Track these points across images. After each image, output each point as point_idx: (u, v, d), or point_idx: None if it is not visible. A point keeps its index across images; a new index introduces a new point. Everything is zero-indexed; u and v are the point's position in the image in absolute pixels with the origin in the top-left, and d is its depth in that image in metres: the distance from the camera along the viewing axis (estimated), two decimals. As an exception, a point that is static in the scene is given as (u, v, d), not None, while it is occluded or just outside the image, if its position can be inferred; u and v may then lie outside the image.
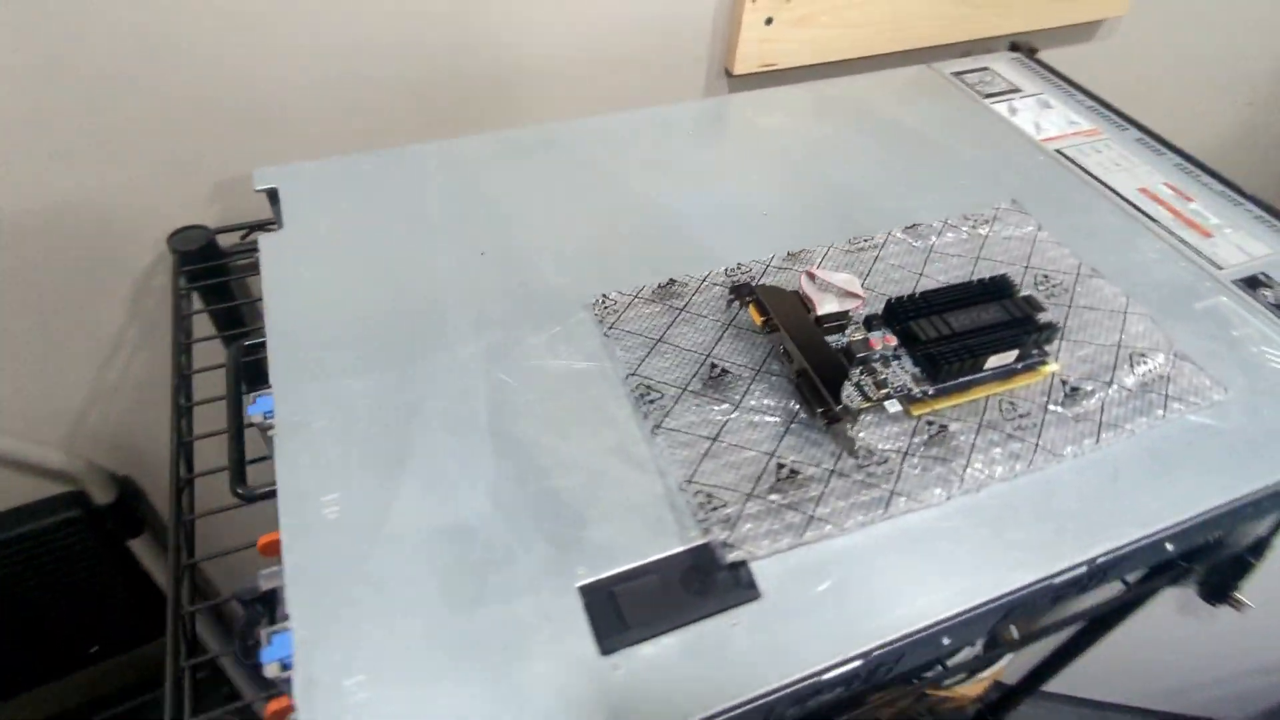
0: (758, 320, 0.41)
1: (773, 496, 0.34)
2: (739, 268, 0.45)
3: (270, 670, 0.29)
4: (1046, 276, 0.45)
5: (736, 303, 0.42)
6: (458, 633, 0.30)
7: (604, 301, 0.43)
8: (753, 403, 0.38)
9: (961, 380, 0.39)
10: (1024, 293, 0.43)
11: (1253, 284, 0.46)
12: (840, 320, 0.41)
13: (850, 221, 0.49)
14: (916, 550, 0.34)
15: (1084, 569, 0.34)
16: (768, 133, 0.57)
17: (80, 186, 0.54)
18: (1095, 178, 0.54)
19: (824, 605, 0.32)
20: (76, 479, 0.68)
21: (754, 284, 0.43)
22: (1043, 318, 0.40)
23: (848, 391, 0.38)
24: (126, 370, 0.65)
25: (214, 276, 0.55)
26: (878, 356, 0.40)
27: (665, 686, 0.29)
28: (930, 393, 0.38)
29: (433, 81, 0.58)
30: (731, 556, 0.32)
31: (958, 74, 0.64)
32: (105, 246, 0.58)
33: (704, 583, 0.32)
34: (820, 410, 0.36)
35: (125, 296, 0.62)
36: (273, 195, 0.49)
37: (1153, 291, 0.45)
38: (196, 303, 0.55)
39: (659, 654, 0.30)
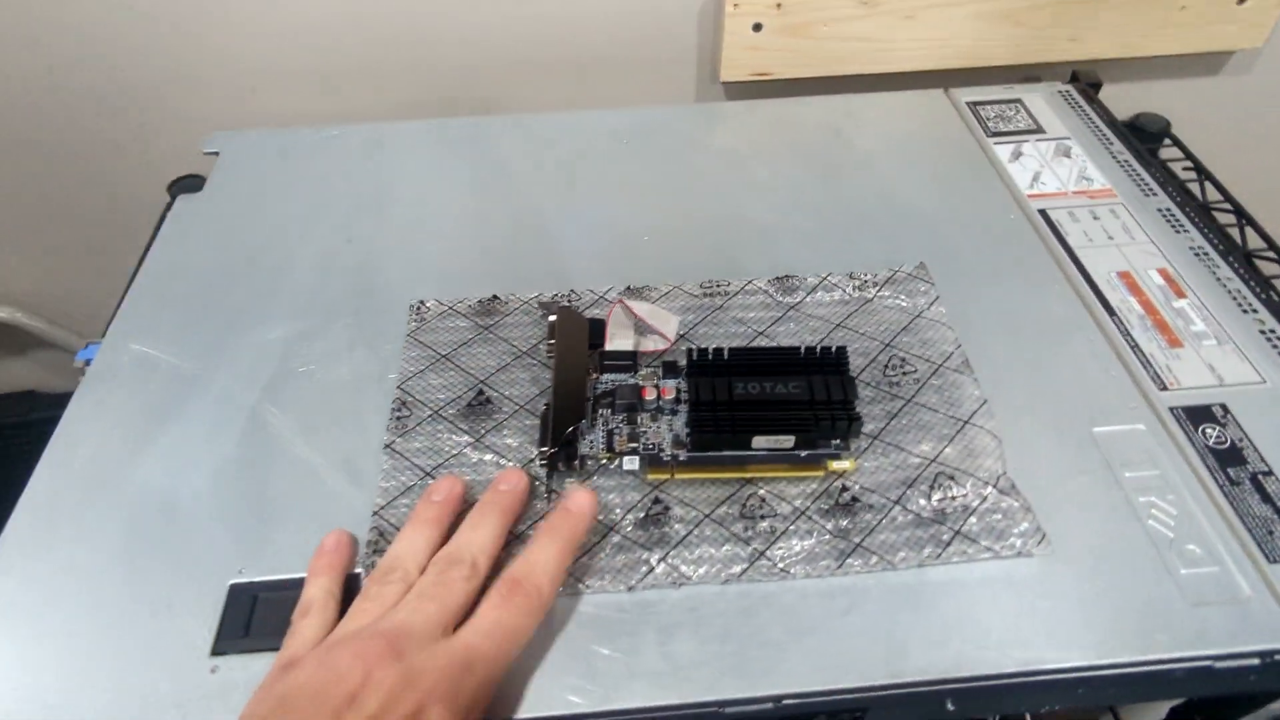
0: (549, 341, 0.39)
1: None
2: (571, 294, 0.43)
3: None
4: (904, 360, 0.38)
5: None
6: (107, 584, 0.32)
7: (420, 307, 0.42)
8: (493, 439, 0.36)
9: (724, 455, 0.34)
10: (870, 372, 0.37)
11: (1197, 417, 0.36)
12: (627, 360, 0.37)
13: (729, 262, 0.44)
14: (563, 644, 0.30)
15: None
16: (708, 151, 0.53)
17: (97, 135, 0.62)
18: (1069, 250, 0.44)
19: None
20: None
21: (559, 304, 0.41)
22: (850, 407, 0.34)
23: (593, 438, 0.35)
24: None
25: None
26: (650, 406, 0.36)
27: (244, 695, 0.29)
28: (681, 459, 0.34)
29: (398, 68, 0.60)
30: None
31: (976, 104, 0.55)
32: (138, 192, 0.66)
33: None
34: (540, 449, 0.34)
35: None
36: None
37: (1048, 396, 0.37)
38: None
39: (262, 669, 0.30)
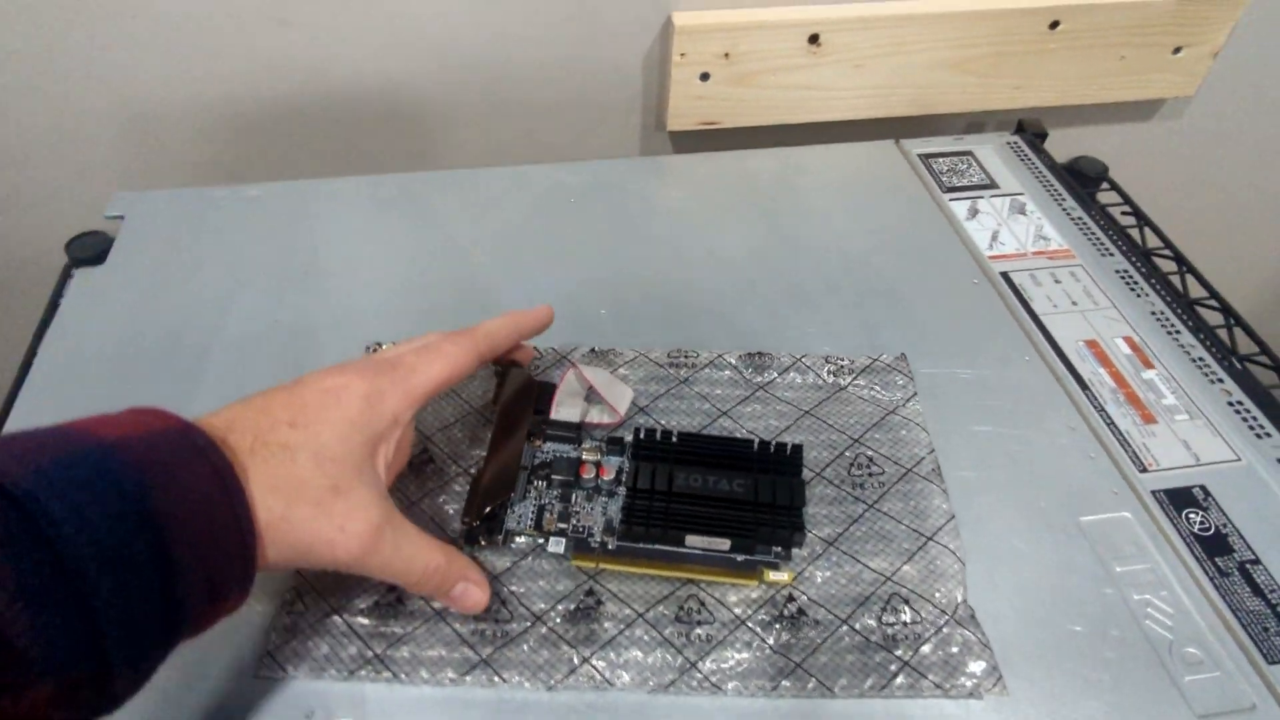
0: (492, 402, 0.36)
1: (359, 620, 0.30)
2: (533, 351, 0.40)
3: None
4: (871, 459, 0.36)
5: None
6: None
7: (374, 351, 0.39)
8: (429, 504, 0.33)
9: (655, 548, 0.32)
10: (834, 468, 0.35)
11: (1179, 501, 0.36)
12: (571, 433, 0.35)
13: (691, 329, 0.42)
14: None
15: None
16: (661, 210, 0.50)
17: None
18: (1036, 317, 0.44)
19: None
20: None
21: (510, 362, 0.38)
22: (795, 516, 0.31)
23: (522, 511, 0.33)
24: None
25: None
26: (587, 485, 0.34)
27: None
28: (609, 548, 0.32)
29: (318, 119, 0.55)
30: (263, 671, 0.29)
31: (928, 156, 0.55)
32: (27, 252, 0.59)
33: None
34: (463, 519, 0.31)
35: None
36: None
37: (1032, 486, 0.36)
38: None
39: None
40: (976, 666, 0.29)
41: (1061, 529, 0.34)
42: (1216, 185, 0.73)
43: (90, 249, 0.54)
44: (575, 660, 0.29)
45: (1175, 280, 0.50)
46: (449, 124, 0.57)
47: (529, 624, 0.30)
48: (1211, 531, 0.35)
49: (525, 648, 0.29)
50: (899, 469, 0.35)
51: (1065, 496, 0.36)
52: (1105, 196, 0.59)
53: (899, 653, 0.30)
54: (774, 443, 0.33)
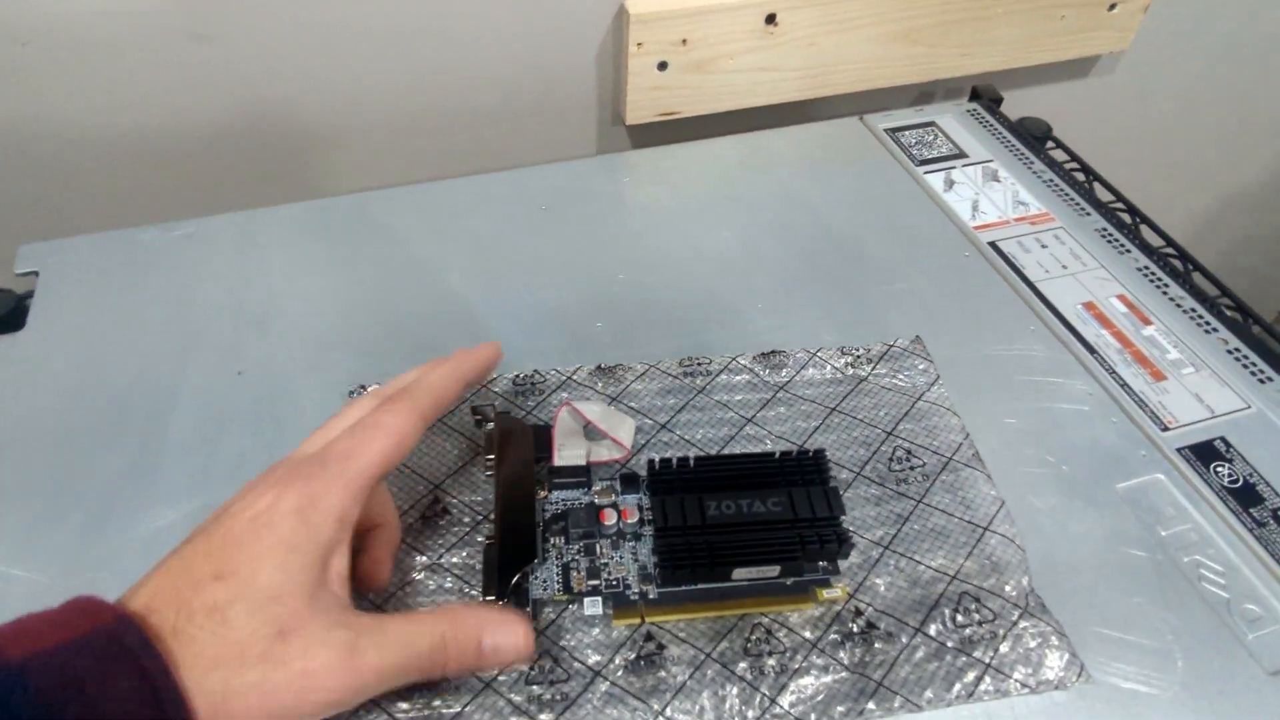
0: (487, 457, 0.33)
1: (401, 705, 0.27)
2: (534, 375, 0.37)
3: None
4: (910, 453, 0.35)
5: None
6: None
7: (360, 395, 0.36)
8: (454, 560, 0.30)
9: (699, 588, 0.29)
10: (874, 466, 0.34)
11: (1205, 455, 0.36)
12: (579, 477, 0.32)
13: (698, 335, 0.40)
14: None
15: None
16: (630, 209, 0.48)
17: None
18: (1031, 285, 0.44)
19: None
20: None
21: (494, 408, 0.35)
22: (837, 526, 0.29)
23: (546, 577, 0.30)
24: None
25: None
26: (610, 532, 0.31)
27: None
28: (651, 597, 0.29)
29: (251, 142, 0.50)
30: None
31: (894, 130, 0.54)
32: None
33: None
34: (485, 598, 0.28)
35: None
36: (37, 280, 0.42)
37: (1066, 459, 0.35)
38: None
39: None
40: (1057, 658, 0.29)
41: (1104, 500, 0.34)
42: (1151, 135, 0.75)
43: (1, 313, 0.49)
44: (649, 716, 0.27)
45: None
46: (397, 137, 0.53)
47: (588, 681, 0.27)
48: (1240, 483, 0.35)
49: (590, 708, 0.27)
50: (939, 459, 0.34)
51: (1099, 465, 0.35)
52: (1053, 156, 0.60)
53: (978, 655, 0.28)
54: (795, 451, 0.31)
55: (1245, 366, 0.40)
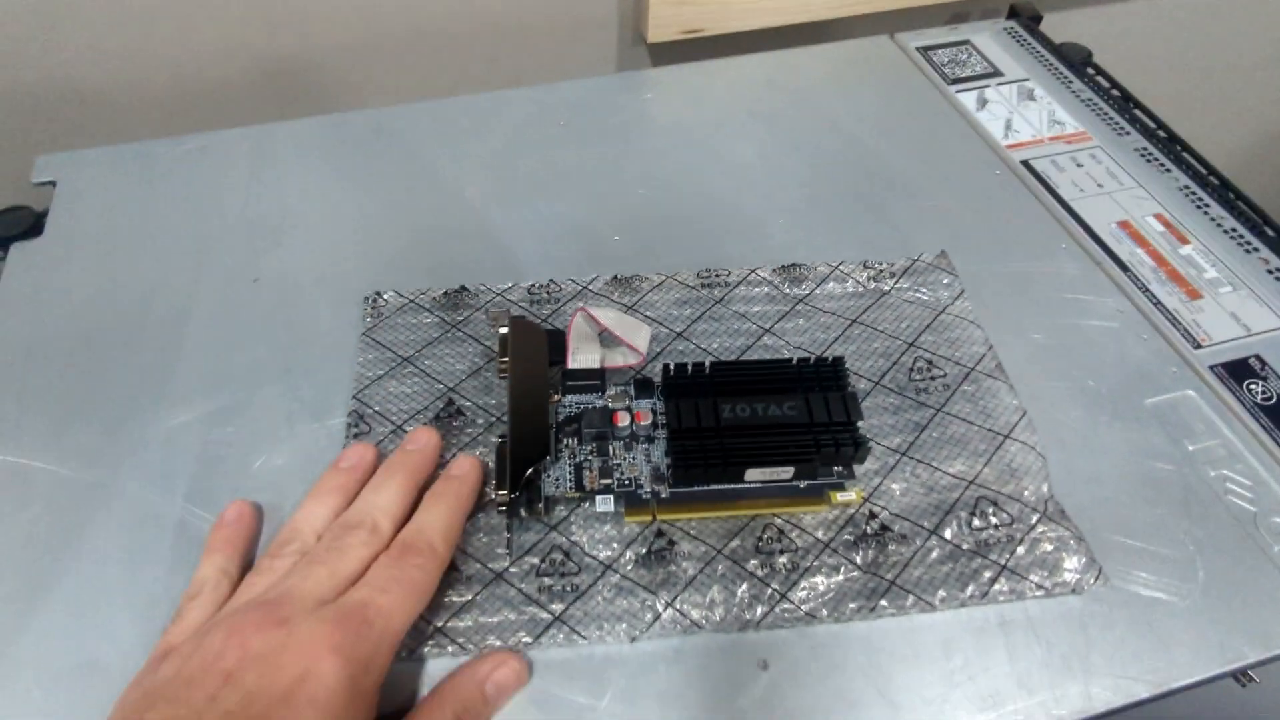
0: (500, 364, 0.33)
1: None
2: (550, 285, 0.37)
3: None
4: (930, 364, 0.34)
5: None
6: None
7: (375, 301, 0.36)
8: (468, 453, 0.31)
9: (712, 489, 0.29)
10: (893, 375, 0.33)
11: (1238, 372, 0.35)
12: (593, 380, 0.32)
13: (717, 250, 0.39)
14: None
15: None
16: (651, 125, 0.46)
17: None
18: (1064, 203, 0.42)
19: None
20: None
21: (508, 314, 0.35)
22: (854, 430, 0.29)
23: (559, 475, 0.30)
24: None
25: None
26: (622, 434, 0.31)
27: None
28: (663, 497, 0.29)
29: (265, 54, 0.49)
30: None
31: (926, 49, 0.52)
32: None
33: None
34: (497, 493, 0.28)
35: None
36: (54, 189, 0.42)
37: (1092, 374, 0.34)
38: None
39: None
40: (1074, 561, 0.28)
41: (1131, 414, 0.33)
42: (1195, 61, 0.72)
43: (18, 225, 0.49)
44: (659, 606, 0.27)
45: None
46: (412, 52, 0.52)
47: (599, 574, 0.28)
48: (1275, 399, 0.34)
49: (600, 599, 0.27)
50: (961, 369, 0.34)
51: (1127, 381, 0.34)
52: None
53: (994, 557, 0.28)
54: (814, 358, 0.31)
55: (1286, 285, 0.38)
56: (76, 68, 0.47)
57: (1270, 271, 0.39)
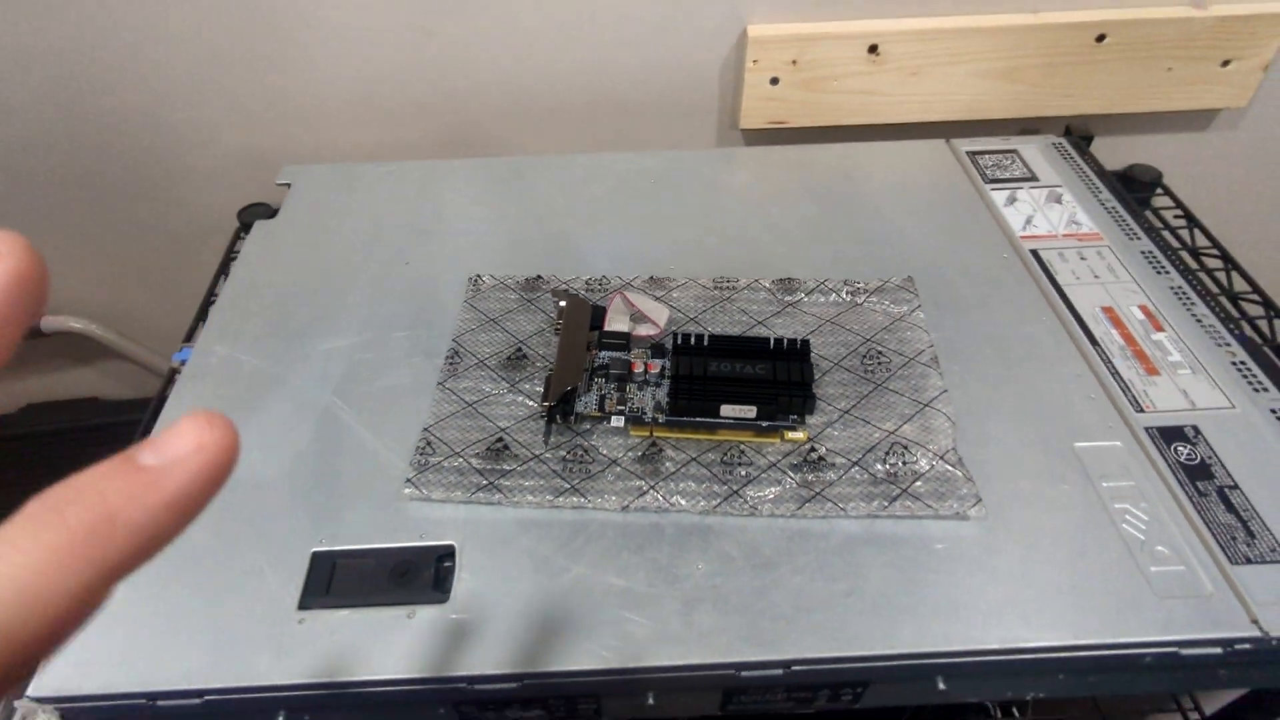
0: (557, 325, 0.45)
1: (475, 460, 0.39)
2: (602, 278, 0.49)
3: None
4: (880, 353, 0.43)
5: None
6: (211, 556, 0.37)
7: (477, 280, 0.49)
8: (525, 386, 0.43)
9: (696, 420, 0.40)
10: (849, 360, 0.42)
11: (1170, 436, 0.40)
12: (620, 340, 0.43)
13: (736, 269, 0.50)
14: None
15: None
16: (727, 189, 0.58)
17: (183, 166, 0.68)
18: (1058, 287, 0.49)
19: (499, 625, 0.34)
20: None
21: (567, 293, 0.47)
22: (806, 389, 0.39)
23: (587, 398, 0.41)
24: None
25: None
26: (638, 378, 0.42)
27: (329, 644, 0.33)
28: (661, 420, 0.40)
29: (447, 110, 0.66)
30: (406, 491, 0.38)
31: (975, 153, 0.61)
32: (207, 217, 0.72)
33: (405, 578, 0.36)
34: (542, 403, 0.40)
35: (219, 251, 0.76)
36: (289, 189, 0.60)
37: (1035, 417, 0.41)
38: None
39: (340, 621, 0.34)
40: (961, 493, 0.37)
41: (1057, 452, 0.40)
42: (1270, 194, 0.75)
43: (257, 215, 0.67)
44: (644, 488, 0.37)
45: (1221, 277, 0.55)
46: (552, 119, 0.67)
47: (606, 465, 0.39)
48: (1197, 461, 0.39)
49: (605, 480, 0.38)
50: (903, 359, 0.43)
51: (1064, 427, 0.41)
52: (1159, 202, 0.63)
53: (900, 485, 0.37)
54: (786, 339, 0.41)
55: (1244, 376, 0.43)
56: (313, 100, 0.65)
57: (1234, 363, 0.44)
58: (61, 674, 0.33)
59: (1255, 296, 0.54)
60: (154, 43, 0.61)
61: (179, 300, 0.79)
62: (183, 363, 0.47)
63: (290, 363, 0.46)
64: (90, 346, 0.80)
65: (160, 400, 0.45)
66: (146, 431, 0.43)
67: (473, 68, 0.64)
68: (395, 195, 0.58)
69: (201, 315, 0.53)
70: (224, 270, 0.59)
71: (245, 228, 0.65)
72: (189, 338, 0.51)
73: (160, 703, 0.33)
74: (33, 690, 0.33)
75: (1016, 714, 0.70)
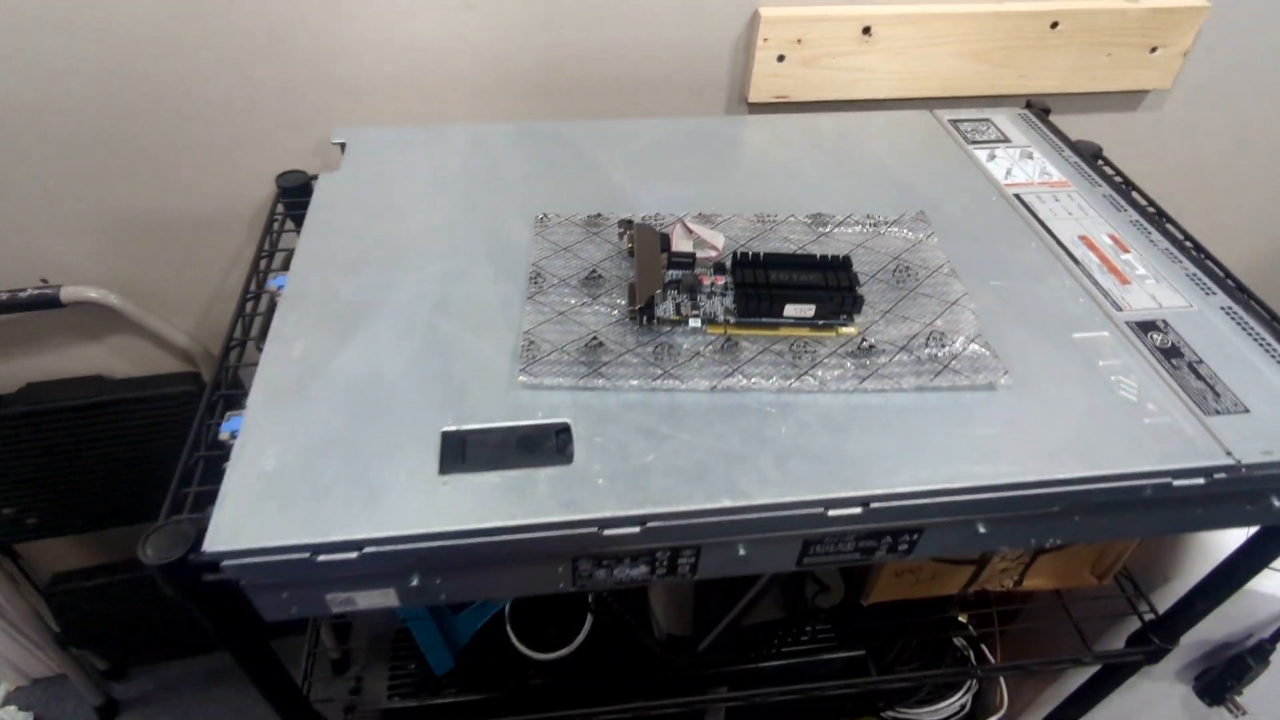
0: (628, 247, 0.51)
1: (576, 354, 0.44)
2: (656, 216, 0.55)
3: (223, 436, 0.41)
4: (907, 268, 0.51)
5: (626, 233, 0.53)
6: (350, 435, 0.41)
7: (544, 218, 0.55)
8: (605, 299, 0.49)
9: (763, 320, 0.47)
10: (882, 274, 0.51)
11: (1146, 328, 0.49)
12: (687, 258, 0.50)
13: (770, 210, 0.57)
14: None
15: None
16: (748, 147, 0.65)
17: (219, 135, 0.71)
18: (1040, 221, 0.58)
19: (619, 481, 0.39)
20: (194, 361, 0.86)
21: (633, 222, 0.53)
22: (854, 291, 0.46)
23: (665, 306, 0.47)
24: (239, 280, 0.82)
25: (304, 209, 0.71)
26: (705, 290, 0.49)
27: (474, 500, 0.38)
28: (731, 321, 0.47)
29: (487, 82, 0.71)
30: (521, 379, 0.43)
31: (955, 121, 0.70)
32: (236, 182, 0.75)
33: (530, 448, 0.41)
34: (629, 307, 0.47)
35: (245, 221, 0.78)
36: (343, 148, 0.64)
37: (1038, 316, 0.49)
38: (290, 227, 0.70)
39: (478, 482, 0.39)
40: (992, 366, 0.44)
41: (1059, 341, 0.48)
42: (1193, 168, 0.87)
43: (294, 181, 0.70)
44: (728, 370, 0.44)
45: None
46: (580, 90, 0.73)
47: (690, 356, 0.45)
48: (1169, 346, 0.48)
49: (692, 367, 0.44)
50: (927, 270, 0.51)
51: (1061, 323, 0.49)
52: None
53: (940, 363, 0.44)
54: (829, 255, 0.48)
55: (1198, 285, 0.53)
56: (359, 73, 0.70)
57: (1188, 275, 0.53)
58: (230, 530, 0.37)
59: (1189, 243, 0.65)
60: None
61: (195, 274, 0.81)
62: (279, 288, 0.50)
63: (384, 289, 0.50)
64: (99, 321, 0.81)
65: (268, 319, 0.48)
66: (261, 338, 0.47)
67: (511, 44, 0.69)
68: (448, 153, 0.63)
69: (254, 269, 0.57)
70: (270, 227, 0.62)
71: (284, 191, 0.69)
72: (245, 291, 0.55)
73: (320, 557, 0.37)
74: (206, 545, 0.36)
75: (987, 649, 0.78)
